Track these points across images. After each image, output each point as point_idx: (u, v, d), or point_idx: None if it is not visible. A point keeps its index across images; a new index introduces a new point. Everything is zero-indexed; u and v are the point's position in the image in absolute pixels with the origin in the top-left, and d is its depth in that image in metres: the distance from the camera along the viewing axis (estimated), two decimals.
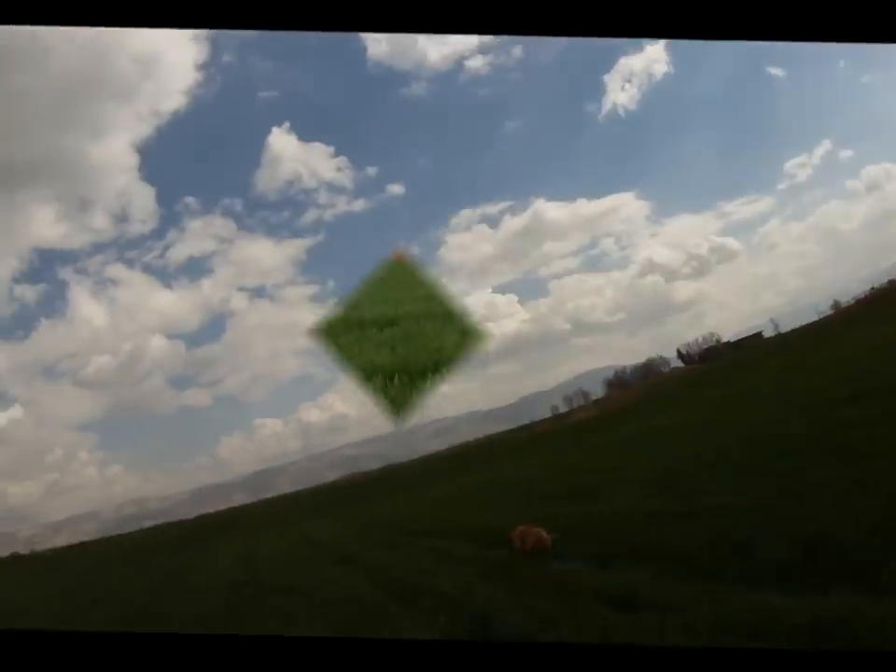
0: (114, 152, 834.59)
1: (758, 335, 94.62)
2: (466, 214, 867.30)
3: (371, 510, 33.31)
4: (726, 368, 61.01)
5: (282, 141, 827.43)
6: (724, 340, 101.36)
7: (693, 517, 8.21)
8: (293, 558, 18.41)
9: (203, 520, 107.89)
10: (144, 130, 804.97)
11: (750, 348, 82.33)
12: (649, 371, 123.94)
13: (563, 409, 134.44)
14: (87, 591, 22.43)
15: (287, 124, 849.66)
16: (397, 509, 30.00)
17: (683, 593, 5.37)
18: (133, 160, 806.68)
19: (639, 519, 9.24)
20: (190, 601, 13.28)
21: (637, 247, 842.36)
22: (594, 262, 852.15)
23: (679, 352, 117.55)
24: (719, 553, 6.21)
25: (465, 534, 12.74)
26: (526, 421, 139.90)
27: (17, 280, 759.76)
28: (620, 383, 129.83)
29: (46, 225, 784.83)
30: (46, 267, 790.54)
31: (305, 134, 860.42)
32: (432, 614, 6.75)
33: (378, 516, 27.91)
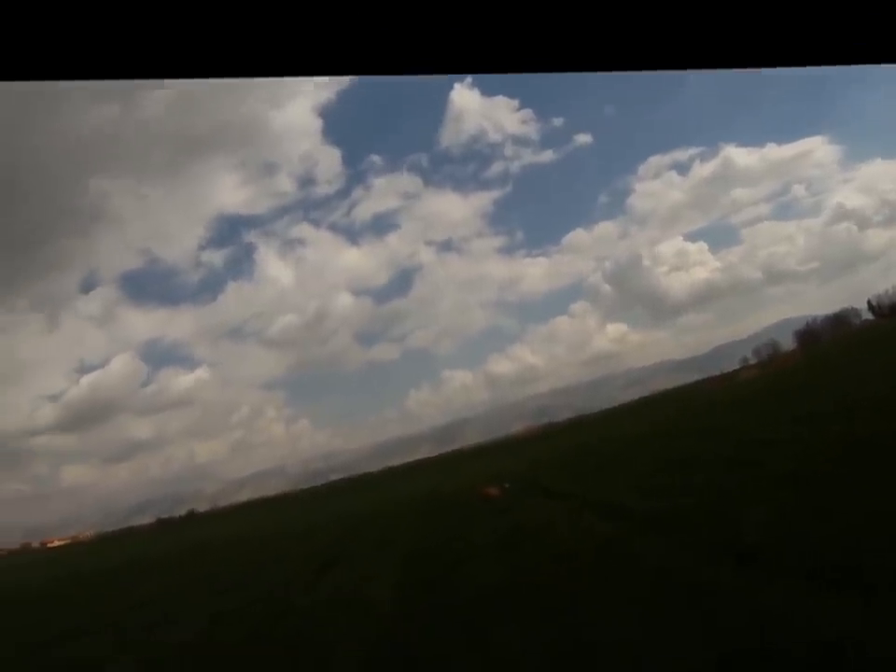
0: (296, 117, 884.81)
1: None
2: (654, 161, 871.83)
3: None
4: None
5: (465, 96, 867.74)
6: None
7: None
8: None
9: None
10: (324, 94, 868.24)
11: None
12: (839, 322, 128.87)
13: (752, 360, 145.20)
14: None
15: (468, 79, 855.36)
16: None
17: None
18: (316, 123, 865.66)
19: None
20: None
21: (829, 193, 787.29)
22: (785, 209, 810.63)
23: (869, 303, 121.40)
24: None
25: None
26: (716, 372, 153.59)
27: (203, 247, 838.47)
28: (810, 334, 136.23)
29: (230, 191, 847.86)
30: (232, 232, 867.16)
31: (488, 89, 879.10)
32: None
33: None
